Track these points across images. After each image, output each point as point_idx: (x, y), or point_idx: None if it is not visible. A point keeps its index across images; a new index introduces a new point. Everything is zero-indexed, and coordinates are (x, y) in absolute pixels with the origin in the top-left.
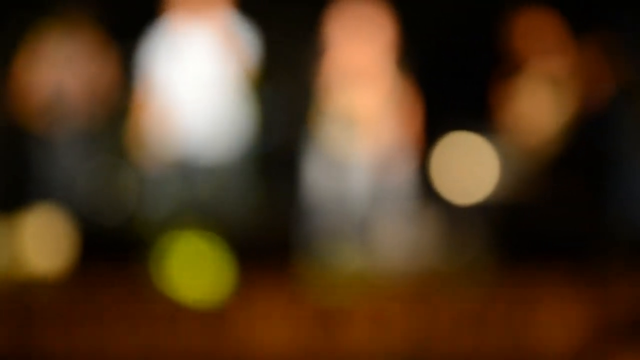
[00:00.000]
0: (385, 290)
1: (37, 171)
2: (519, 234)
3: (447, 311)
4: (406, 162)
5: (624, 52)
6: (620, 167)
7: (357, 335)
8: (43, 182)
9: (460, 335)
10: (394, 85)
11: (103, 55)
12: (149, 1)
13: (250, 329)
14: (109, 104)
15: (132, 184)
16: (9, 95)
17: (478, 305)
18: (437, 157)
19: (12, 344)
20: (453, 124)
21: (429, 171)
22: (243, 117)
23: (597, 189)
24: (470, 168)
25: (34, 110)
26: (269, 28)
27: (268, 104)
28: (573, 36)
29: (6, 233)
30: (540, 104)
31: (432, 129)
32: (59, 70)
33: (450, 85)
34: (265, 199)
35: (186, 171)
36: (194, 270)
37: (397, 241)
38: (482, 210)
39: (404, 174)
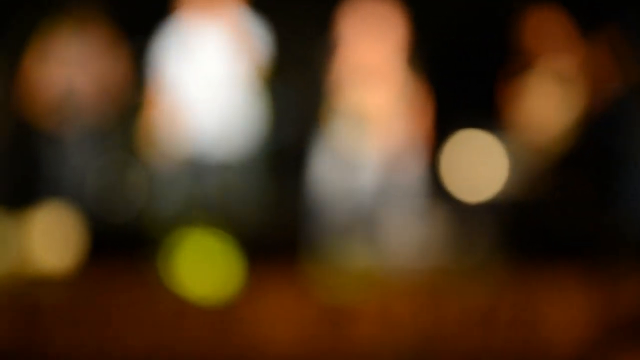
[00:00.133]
0: (393, 287)
1: (46, 169)
2: (527, 232)
3: (454, 309)
4: (416, 160)
5: (633, 50)
6: (629, 165)
7: (364, 333)
8: (53, 179)
9: (467, 333)
10: (405, 84)
11: (114, 53)
12: None
13: (258, 326)
14: (119, 101)
15: (141, 181)
16: (19, 93)
17: (486, 303)
18: (446, 155)
19: (19, 342)
20: (462, 122)
21: (439, 169)
22: (254, 114)
23: (605, 188)
24: (480, 166)
25: (44, 108)
26: (281, 25)
27: (279, 102)
28: (582, 34)
29: (15, 230)
30: (549, 102)
31: (442, 127)
32: (70, 68)
33: (460, 83)
34: (274, 196)
35: (196, 168)
36: (203, 267)
37: (405, 239)
38: (491, 208)
39: (413, 171)
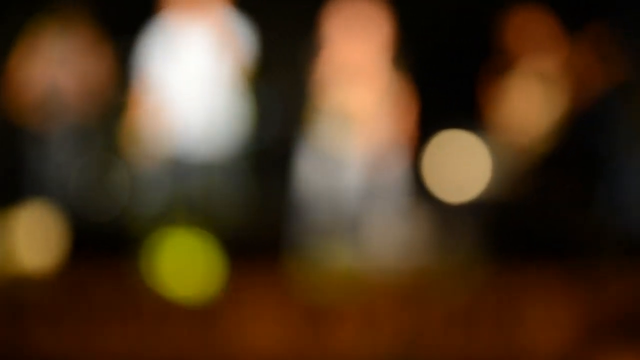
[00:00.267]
0: (376, 288)
1: (30, 168)
2: (510, 232)
3: (437, 310)
4: (399, 160)
5: (616, 49)
6: (612, 165)
7: (347, 334)
8: (36, 178)
9: (450, 334)
10: (389, 84)
11: (98, 52)
12: None
13: (240, 327)
14: (103, 100)
15: (124, 180)
16: (3, 91)
17: (468, 304)
18: (429, 155)
19: (1, 341)
20: (446, 122)
21: (422, 169)
22: (238, 114)
23: (588, 188)
24: (463, 166)
25: (28, 106)
26: (265, 25)
27: (263, 101)
28: (565, 34)
29: None
30: (532, 102)
31: (426, 127)
32: (54, 66)
33: (444, 83)
34: (258, 196)
35: (179, 168)
36: (185, 267)
37: (388, 239)
38: (473, 208)
39: (396, 171)
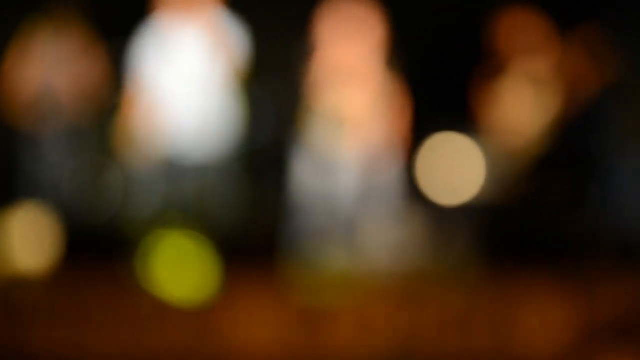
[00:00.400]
0: (370, 290)
1: (24, 168)
2: (504, 234)
3: (431, 312)
4: (393, 162)
5: (609, 51)
6: (605, 167)
7: (341, 336)
8: (30, 179)
9: (444, 336)
10: (382, 85)
11: (92, 54)
12: None
13: (234, 328)
14: (97, 102)
15: (119, 182)
16: None
17: (463, 306)
18: (423, 157)
19: None
20: (439, 125)
21: (416, 171)
22: (232, 115)
23: (581, 190)
24: (457, 169)
25: (22, 107)
26: (259, 26)
27: (257, 103)
28: (558, 35)
29: None
30: (525, 104)
31: (419, 129)
32: (48, 68)
33: (438, 85)
34: (252, 198)
35: (173, 170)
36: (179, 269)
37: (382, 241)
38: (467, 211)
39: (390, 174)
